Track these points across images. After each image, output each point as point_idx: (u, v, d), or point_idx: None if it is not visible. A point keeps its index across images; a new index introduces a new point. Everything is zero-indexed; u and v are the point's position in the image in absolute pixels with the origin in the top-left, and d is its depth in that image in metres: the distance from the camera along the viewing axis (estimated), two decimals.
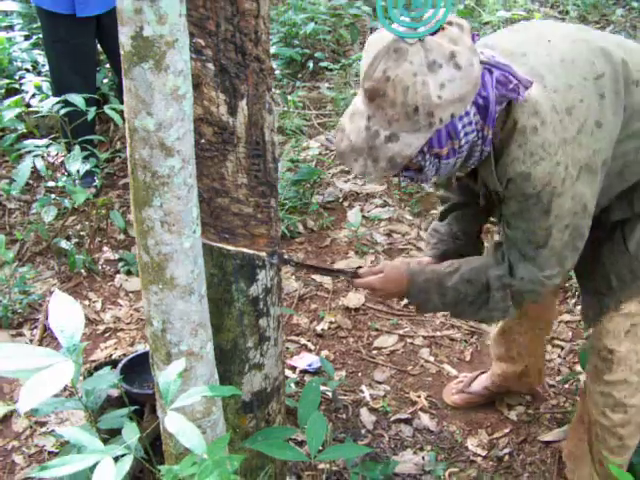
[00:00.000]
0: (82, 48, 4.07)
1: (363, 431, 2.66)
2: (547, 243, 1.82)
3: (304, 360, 3.03)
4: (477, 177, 1.91)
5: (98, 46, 4.37)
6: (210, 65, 1.60)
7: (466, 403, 2.80)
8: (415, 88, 1.56)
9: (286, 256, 1.83)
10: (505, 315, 1.98)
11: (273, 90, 1.77)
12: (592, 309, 2.11)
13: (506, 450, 2.60)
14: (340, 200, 4.26)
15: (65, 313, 1.41)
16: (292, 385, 2.76)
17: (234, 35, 1.60)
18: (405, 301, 2.96)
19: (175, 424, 1.29)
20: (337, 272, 2.26)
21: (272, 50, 5.81)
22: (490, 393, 2.80)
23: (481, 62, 1.66)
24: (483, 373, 2.86)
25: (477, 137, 1.71)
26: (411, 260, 2.24)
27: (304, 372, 2.98)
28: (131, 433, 1.46)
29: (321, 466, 2.38)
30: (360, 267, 2.16)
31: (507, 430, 2.69)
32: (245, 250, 1.75)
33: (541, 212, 1.77)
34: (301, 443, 2.42)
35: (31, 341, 3.15)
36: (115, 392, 2.25)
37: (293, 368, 2.99)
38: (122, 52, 1.30)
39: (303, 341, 3.18)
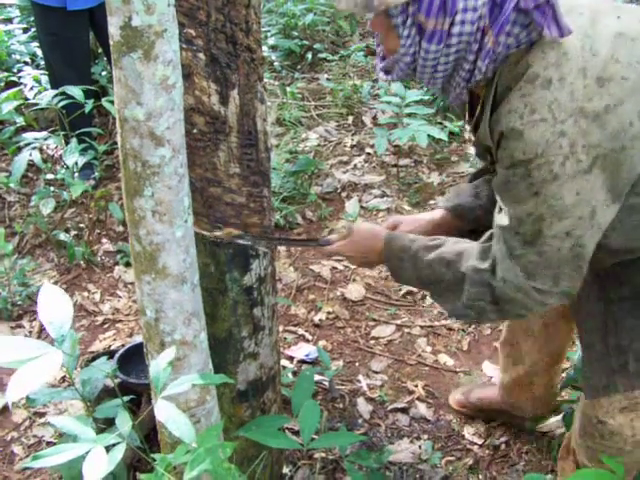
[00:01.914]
0: (75, 41, 4.08)
1: (360, 420, 2.67)
2: (535, 243, 1.50)
3: (301, 350, 3.04)
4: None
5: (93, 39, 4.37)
6: (201, 55, 1.60)
7: (464, 408, 2.69)
8: None
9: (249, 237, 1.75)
10: (481, 319, 1.71)
11: (266, 80, 1.77)
12: (595, 381, 1.77)
13: (502, 439, 2.60)
14: (338, 191, 4.27)
15: (54, 305, 1.41)
16: (289, 375, 2.77)
17: (225, 25, 1.60)
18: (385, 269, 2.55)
19: (165, 412, 1.30)
20: (307, 242, 2.06)
21: (271, 41, 5.81)
22: (490, 406, 2.61)
23: None
24: (492, 385, 2.70)
25: (474, 38, 1.44)
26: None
27: (301, 362, 2.99)
28: (124, 422, 1.47)
29: (317, 455, 2.40)
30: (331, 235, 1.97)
31: (504, 419, 2.69)
32: (206, 233, 1.73)
33: (528, 190, 1.45)
34: (297, 432, 2.43)
35: (30, 333, 3.17)
36: (112, 382, 2.26)
37: (290, 358, 3.00)
38: (111, 42, 1.30)
39: (301, 331, 3.19)
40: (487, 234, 1.71)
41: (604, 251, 1.59)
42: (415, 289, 3.33)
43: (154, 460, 1.44)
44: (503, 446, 2.57)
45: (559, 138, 1.39)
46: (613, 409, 1.73)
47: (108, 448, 1.33)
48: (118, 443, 1.36)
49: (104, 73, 4.82)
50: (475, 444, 2.59)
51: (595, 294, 1.75)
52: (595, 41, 1.43)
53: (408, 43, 1.47)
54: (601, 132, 1.39)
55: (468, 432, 2.64)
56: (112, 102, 3.64)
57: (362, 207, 4.08)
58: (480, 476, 2.45)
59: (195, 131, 1.64)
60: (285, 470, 2.31)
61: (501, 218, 1.57)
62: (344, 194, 4.25)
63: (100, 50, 4.75)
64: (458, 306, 1.71)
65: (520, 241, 1.53)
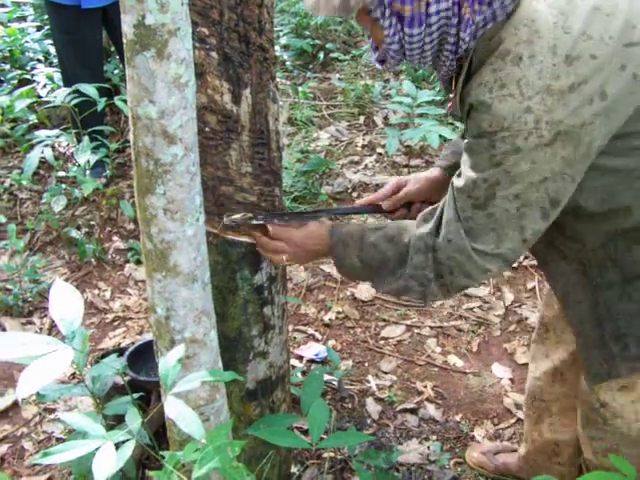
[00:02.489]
0: (88, 40, 4.09)
1: (369, 421, 2.67)
2: (486, 205, 1.54)
3: (311, 350, 3.04)
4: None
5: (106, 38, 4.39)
6: (214, 54, 1.60)
7: (478, 465, 2.50)
8: None
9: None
10: (425, 292, 1.67)
11: (278, 79, 1.77)
12: (596, 368, 1.74)
13: (512, 441, 2.60)
14: (349, 190, 4.27)
15: (65, 302, 1.42)
16: (299, 374, 2.77)
17: (238, 24, 1.61)
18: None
19: (174, 409, 1.30)
20: (317, 212, 1.92)
21: (283, 41, 5.81)
22: (509, 471, 2.45)
23: None
24: (514, 451, 2.51)
25: (452, 12, 1.46)
26: None
27: (311, 362, 2.99)
28: (134, 419, 1.47)
29: (325, 455, 2.40)
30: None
31: (513, 421, 2.69)
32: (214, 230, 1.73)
33: (489, 161, 1.49)
34: (306, 432, 2.43)
35: (41, 329, 3.18)
36: (122, 380, 2.27)
37: (300, 358, 3.00)
38: (125, 40, 1.30)
39: (310, 331, 3.19)
40: (428, 209, 1.72)
41: (581, 216, 1.62)
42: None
43: (163, 457, 1.44)
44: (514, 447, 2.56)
45: (525, 114, 1.43)
46: (612, 389, 1.73)
47: (117, 445, 1.34)
48: (127, 440, 1.36)
49: (116, 71, 4.84)
50: None
51: (580, 283, 1.74)
52: (568, 17, 1.44)
53: (392, 32, 1.51)
54: (564, 109, 1.42)
55: (477, 433, 2.63)
56: (124, 100, 3.65)
57: None
58: (488, 478, 2.44)
59: (207, 130, 1.65)
60: (293, 469, 2.31)
61: (458, 180, 1.59)
62: (355, 194, 4.25)
63: (113, 48, 4.77)
64: (399, 282, 1.68)
65: (471, 204, 1.56)
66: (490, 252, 1.57)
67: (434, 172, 2.01)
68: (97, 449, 1.30)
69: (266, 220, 1.76)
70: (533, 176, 1.48)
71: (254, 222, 1.75)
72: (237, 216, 1.73)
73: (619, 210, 1.60)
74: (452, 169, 1.92)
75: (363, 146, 4.77)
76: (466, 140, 1.56)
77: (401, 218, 1.96)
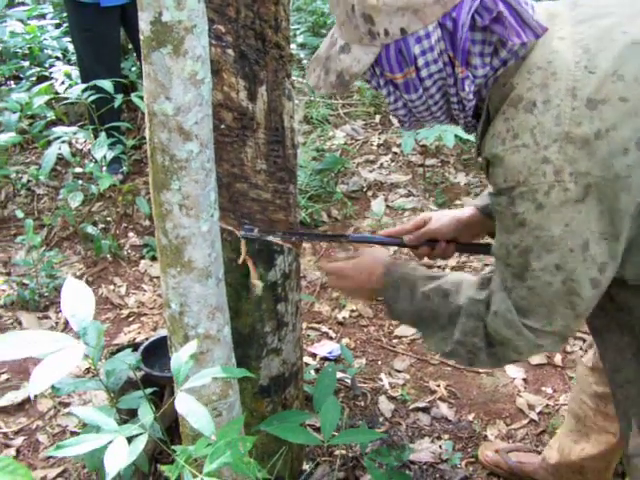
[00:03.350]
0: (107, 37, 4.12)
1: (381, 419, 2.67)
2: (524, 276, 1.39)
3: (324, 348, 3.05)
4: None
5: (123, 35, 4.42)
6: (230, 51, 1.61)
7: (492, 464, 2.46)
8: None
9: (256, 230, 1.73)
10: (473, 361, 1.56)
11: (294, 77, 1.78)
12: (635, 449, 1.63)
13: (525, 442, 2.59)
14: (364, 189, 4.27)
15: (76, 298, 1.43)
16: (312, 372, 2.78)
17: (254, 22, 1.61)
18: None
19: (185, 405, 1.30)
20: (333, 237, 1.88)
21: (299, 39, 5.82)
22: (524, 472, 2.40)
23: None
24: (534, 452, 2.48)
25: (445, 74, 1.37)
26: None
27: (324, 359, 2.99)
28: (146, 413, 1.48)
29: (337, 452, 2.40)
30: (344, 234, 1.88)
31: (525, 421, 2.68)
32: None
33: (513, 220, 1.35)
34: (318, 429, 2.44)
35: (57, 324, 3.21)
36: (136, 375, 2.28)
37: (313, 355, 3.01)
38: (141, 37, 1.31)
39: (324, 329, 3.20)
40: (487, 272, 1.62)
41: (623, 285, 1.47)
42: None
43: (175, 452, 1.45)
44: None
45: (542, 165, 1.28)
46: None
47: (130, 439, 1.35)
48: (140, 434, 1.37)
49: (134, 69, 4.87)
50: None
51: (635, 360, 1.59)
52: (596, 55, 1.30)
53: (392, 99, 1.46)
54: (590, 159, 1.26)
55: (490, 433, 2.63)
56: (141, 97, 3.67)
57: (388, 206, 4.08)
58: (501, 478, 2.44)
59: (223, 127, 1.65)
60: (305, 466, 2.32)
61: (494, 247, 1.48)
62: (370, 193, 4.25)
63: (130, 46, 4.79)
64: (448, 343, 1.57)
65: (510, 273, 1.43)
66: (542, 329, 1.43)
67: (467, 211, 1.88)
68: (109, 443, 1.32)
69: (284, 238, 1.77)
70: (571, 241, 1.31)
71: (270, 239, 1.76)
72: (254, 232, 1.73)
73: None
74: (487, 209, 1.82)
75: (379, 145, 4.77)
76: (489, 199, 1.46)
77: (425, 255, 1.89)
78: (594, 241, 1.32)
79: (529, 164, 1.29)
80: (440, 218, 1.86)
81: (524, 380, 2.90)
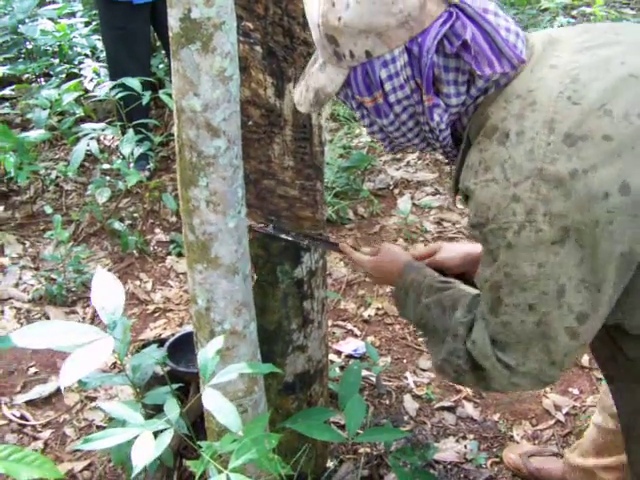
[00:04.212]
0: (138, 34, 4.15)
1: (405, 417, 2.66)
2: (497, 311, 1.30)
3: (350, 345, 3.04)
4: None
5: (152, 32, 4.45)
6: (258, 48, 1.61)
7: (514, 467, 2.43)
8: (319, 0, 1.26)
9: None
10: (460, 380, 1.48)
11: None
12: None
13: (551, 442, 2.57)
14: (391, 187, 4.25)
15: (107, 291, 1.44)
16: (337, 369, 2.78)
17: (282, 18, 1.61)
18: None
19: (212, 401, 1.31)
20: (333, 245, 1.83)
21: None
22: (544, 478, 2.36)
23: (454, 5, 1.22)
24: (557, 456, 2.44)
25: (414, 101, 1.30)
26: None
27: (349, 357, 2.99)
28: (172, 408, 1.49)
29: (361, 450, 2.40)
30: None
31: (552, 422, 2.66)
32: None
33: (487, 256, 1.28)
34: (343, 427, 2.43)
35: (83, 319, 3.24)
36: (162, 370, 2.30)
37: (338, 353, 3.01)
38: (170, 34, 1.32)
39: (349, 326, 3.20)
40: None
41: (627, 334, 1.37)
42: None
43: (200, 447, 1.45)
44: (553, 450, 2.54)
45: (512, 203, 1.18)
46: None
47: (156, 434, 1.35)
48: (166, 429, 1.38)
49: (161, 66, 4.90)
50: None
51: (630, 377, 1.49)
52: (585, 86, 1.19)
53: (367, 122, 1.40)
54: (566, 200, 1.15)
55: (516, 434, 2.61)
56: (169, 94, 3.69)
57: (414, 204, 4.06)
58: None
59: (250, 123, 1.66)
60: (329, 464, 2.32)
61: (476, 276, 1.38)
62: (396, 191, 4.23)
63: (158, 43, 4.82)
64: (440, 357, 1.48)
65: (486, 306, 1.34)
66: (515, 367, 1.33)
67: (479, 247, 1.70)
68: (136, 437, 1.32)
69: (296, 239, 1.76)
70: (544, 283, 1.22)
71: (283, 237, 1.76)
72: (268, 228, 1.74)
73: None
74: None
75: None
76: None
77: None
78: (572, 288, 1.21)
79: (498, 201, 1.20)
80: (451, 250, 1.76)
81: None
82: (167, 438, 1.35)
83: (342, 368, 2.85)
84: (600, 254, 1.17)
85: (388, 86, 1.28)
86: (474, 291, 1.49)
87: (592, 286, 1.20)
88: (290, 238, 1.76)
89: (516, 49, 1.24)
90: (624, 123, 1.15)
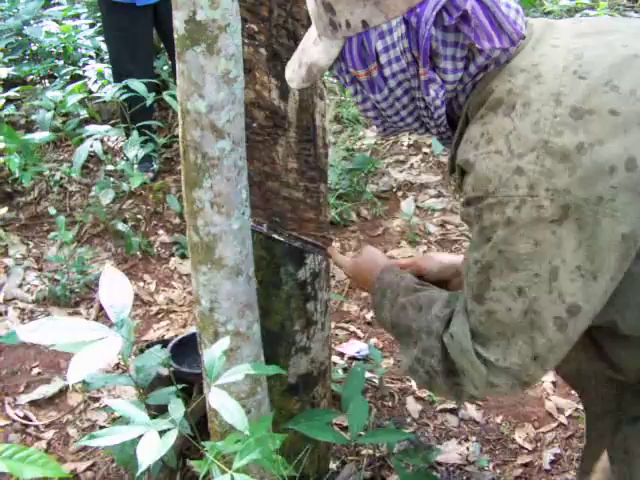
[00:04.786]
0: (141, 36, 4.16)
1: (408, 419, 2.67)
2: (483, 298, 1.23)
3: (353, 347, 3.04)
4: None
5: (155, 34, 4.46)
6: (262, 50, 1.62)
7: None
8: None
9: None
10: (431, 384, 1.38)
11: (325, 77, 1.78)
12: None
13: (554, 445, 2.57)
14: (394, 190, 4.26)
15: (115, 289, 1.45)
16: (340, 371, 2.78)
17: (287, 21, 1.62)
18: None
19: (218, 400, 1.32)
20: (318, 247, 1.82)
21: None
22: None
23: None
24: None
25: (409, 75, 1.26)
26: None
27: (352, 359, 2.99)
28: (177, 409, 1.49)
29: (364, 452, 2.40)
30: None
31: (554, 425, 2.66)
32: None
33: (480, 235, 1.21)
34: (346, 428, 2.44)
35: (87, 319, 3.24)
36: (165, 371, 2.30)
37: (341, 354, 3.01)
38: (175, 36, 1.33)
39: (352, 328, 3.20)
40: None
41: (620, 338, 1.30)
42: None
43: (204, 447, 1.46)
44: (555, 452, 2.54)
45: (515, 175, 1.13)
46: None
47: (160, 434, 1.36)
48: (170, 429, 1.39)
49: (165, 68, 4.91)
50: (525, 449, 2.56)
51: (609, 405, 1.46)
52: (590, 62, 1.17)
53: (360, 98, 1.35)
54: (570, 175, 1.11)
55: (518, 436, 2.61)
56: (173, 96, 3.71)
57: (417, 207, 4.06)
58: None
59: (255, 125, 1.66)
60: (332, 465, 2.32)
61: (460, 264, 1.34)
62: (400, 193, 4.24)
63: (162, 45, 4.83)
64: (414, 364, 1.40)
65: (470, 294, 1.26)
66: (495, 363, 1.25)
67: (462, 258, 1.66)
68: (141, 436, 1.33)
69: (288, 240, 1.75)
70: (538, 263, 1.16)
71: (275, 237, 1.76)
72: (262, 227, 1.75)
73: None
74: None
75: (409, 145, 4.75)
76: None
77: None
78: (566, 274, 1.15)
79: (500, 173, 1.14)
80: (431, 258, 1.68)
81: (553, 383, 2.87)
82: (172, 438, 1.36)
83: (345, 370, 2.85)
84: (600, 235, 1.12)
85: (384, 58, 1.24)
86: (453, 293, 1.43)
87: (588, 274, 1.15)
88: (282, 238, 1.76)
89: (516, 25, 1.22)
90: (632, 99, 1.12)
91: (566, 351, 1.22)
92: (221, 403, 1.31)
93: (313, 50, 1.30)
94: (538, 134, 1.13)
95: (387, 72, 1.25)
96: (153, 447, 1.29)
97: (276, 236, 1.75)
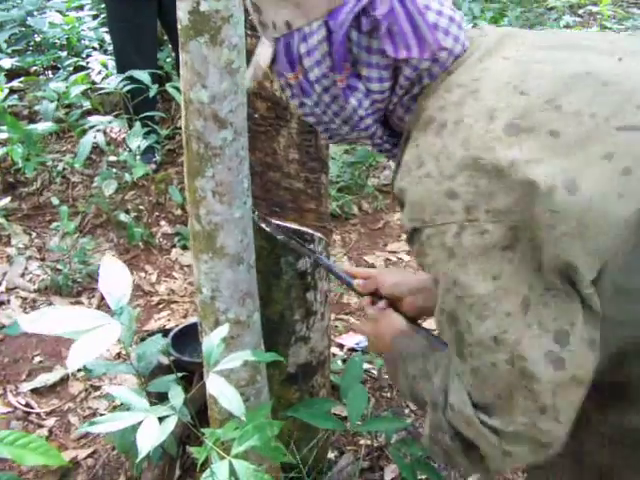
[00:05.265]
0: (145, 28, 4.17)
1: (406, 410, 2.68)
2: (463, 355, 1.06)
3: (352, 339, 3.06)
4: None
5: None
6: None
7: None
8: None
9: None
10: (449, 460, 1.17)
11: None
12: None
13: None
14: None
15: (114, 277, 1.47)
16: (339, 362, 2.80)
17: None
18: None
19: (216, 386, 1.33)
20: (301, 247, 1.75)
21: None
22: None
23: None
24: None
25: (331, 81, 1.16)
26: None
27: (352, 350, 3.01)
28: (176, 395, 1.51)
29: (362, 442, 2.42)
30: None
31: None
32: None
33: (433, 277, 1.08)
34: (345, 418, 2.46)
35: (89, 309, 3.26)
36: (166, 359, 2.32)
37: (341, 346, 3.03)
38: (179, 26, 1.34)
39: (352, 320, 3.22)
40: None
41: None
42: None
43: (203, 434, 1.48)
44: None
45: (448, 200, 1.00)
46: None
47: (160, 420, 1.38)
48: (170, 415, 1.40)
49: (169, 59, 4.92)
50: None
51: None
52: (535, 78, 1.04)
53: (297, 103, 1.25)
54: (508, 193, 0.97)
55: None
56: (176, 87, 3.72)
57: None
58: (525, 473, 2.44)
59: (256, 116, 1.68)
60: (330, 455, 2.34)
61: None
62: None
63: (165, 37, 4.84)
64: (427, 438, 1.21)
65: (453, 351, 1.10)
66: (503, 430, 1.05)
67: (425, 276, 1.49)
68: (141, 422, 1.35)
69: (275, 232, 1.73)
70: (506, 300, 1.00)
71: (263, 226, 1.75)
72: (253, 215, 1.75)
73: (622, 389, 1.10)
74: None
75: None
76: None
77: (365, 306, 1.59)
78: (538, 300, 0.99)
79: (434, 199, 1.02)
80: (389, 275, 1.56)
81: None
82: (171, 424, 1.38)
83: (344, 361, 2.87)
84: (552, 263, 0.98)
85: (307, 62, 1.15)
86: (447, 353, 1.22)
87: (560, 292, 0.99)
88: (268, 229, 1.76)
89: (448, 35, 1.11)
90: (574, 121, 0.98)
91: (579, 394, 1.02)
92: (219, 389, 1.33)
93: (258, 50, 1.24)
94: (468, 151, 1.00)
95: (312, 77, 1.17)
96: (152, 433, 1.31)
97: (263, 226, 1.75)
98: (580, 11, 5.75)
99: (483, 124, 1.01)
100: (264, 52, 1.21)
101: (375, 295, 1.55)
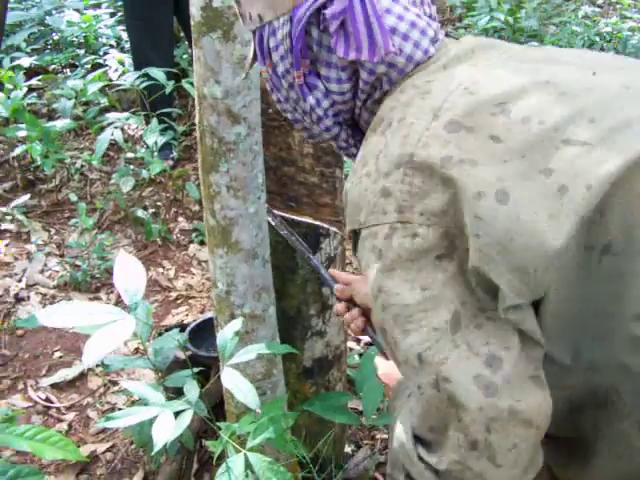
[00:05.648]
0: (162, 25, 4.19)
1: None
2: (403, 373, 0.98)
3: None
4: None
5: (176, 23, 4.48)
6: None
7: None
8: None
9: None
10: None
11: None
12: None
13: None
14: None
15: (128, 273, 1.48)
16: (356, 357, 2.80)
17: None
18: None
19: (231, 380, 1.34)
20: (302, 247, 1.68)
21: None
22: None
23: None
24: None
25: (292, 78, 1.12)
26: None
27: (368, 345, 3.01)
28: (192, 390, 1.52)
29: (379, 436, 2.42)
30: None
31: None
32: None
33: (368, 282, 0.99)
34: (360, 413, 2.46)
35: (107, 304, 3.29)
36: (183, 354, 2.34)
37: (358, 340, 3.03)
38: (192, 23, 1.35)
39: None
40: None
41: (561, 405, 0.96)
42: None
43: (220, 428, 1.49)
44: None
45: (381, 198, 0.94)
46: None
47: (177, 415, 1.39)
48: (186, 409, 1.42)
49: (185, 56, 4.93)
50: None
51: None
52: (491, 82, 0.98)
53: (275, 97, 1.21)
54: (443, 193, 0.90)
55: None
56: (192, 84, 3.72)
57: None
58: None
59: (270, 111, 1.68)
60: (347, 449, 2.35)
61: None
62: None
63: (182, 34, 4.86)
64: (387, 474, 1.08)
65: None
66: (436, 467, 0.93)
67: None
68: (157, 416, 1.36)
69: (278, 226, 1.71)
70: (433, 314, 0.91)
71: (269, 220, 1.72)
72: (270, 217, 1.74)
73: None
74: None
75: None
76: None
77: (339, 312, 1.47)
78: (469, 320, 0.90)
79: (369, 197, 0.96)
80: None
81: None
82: (187, 418, 1.39)
83: (361, 355, 2.87)
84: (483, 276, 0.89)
85: (275, 57, 1.12)
86: None
87: (496, 315, 0.90)
88: (273, 223, 1.74)
89: (407, 40, 1.06)
90: (520, 127, 0.91)
91: (526, 436, 0.88)
92: (234, 382, 1.34)
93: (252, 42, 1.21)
94: (404, 147, 0.94)
95: (279, 71, 1.14)
96: (168, 427, 1.33)
97: (269, 219, 1.75)
98: (599, 1, 5.70)
99: (425, 122, 0.95)
100: (250, 43, 1.19)
101: (351, 302, 1.45)
